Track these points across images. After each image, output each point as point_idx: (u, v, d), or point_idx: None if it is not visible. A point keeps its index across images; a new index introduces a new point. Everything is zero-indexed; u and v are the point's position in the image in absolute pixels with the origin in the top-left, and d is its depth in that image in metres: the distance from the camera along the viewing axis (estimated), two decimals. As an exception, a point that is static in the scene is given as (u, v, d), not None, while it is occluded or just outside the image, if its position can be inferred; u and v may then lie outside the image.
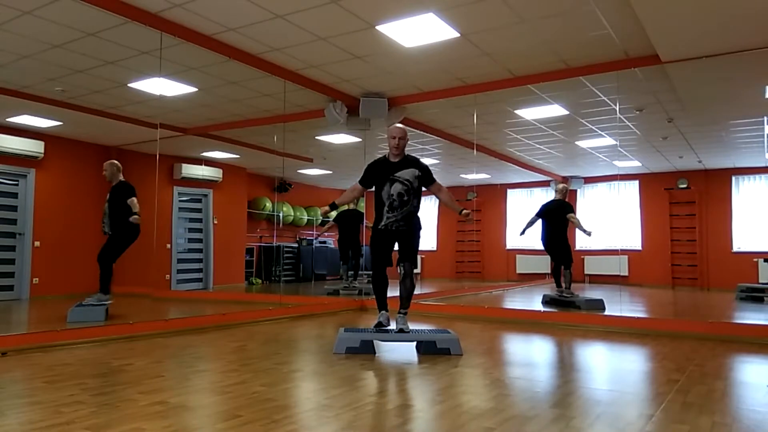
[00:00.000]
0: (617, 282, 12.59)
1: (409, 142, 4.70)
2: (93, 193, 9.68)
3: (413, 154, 4.77)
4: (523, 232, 7.98)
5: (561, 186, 7.99)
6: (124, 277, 9.59)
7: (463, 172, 12.78)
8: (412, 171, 4.55)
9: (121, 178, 6.33)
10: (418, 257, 15.08)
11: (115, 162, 6.38)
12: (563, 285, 7.83)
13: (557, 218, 7.73)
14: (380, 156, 4.73)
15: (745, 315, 7.28)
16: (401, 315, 4.59)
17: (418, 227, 4.65)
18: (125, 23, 4.91)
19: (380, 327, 4.54)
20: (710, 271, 12.09)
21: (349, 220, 9.74)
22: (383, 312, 4.62)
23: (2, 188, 8.63)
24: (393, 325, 4.59)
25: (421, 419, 2.72)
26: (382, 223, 4.55)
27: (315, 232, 9.26)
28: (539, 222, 7.91)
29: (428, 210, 14.76)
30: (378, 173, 4.61)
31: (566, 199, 7.90)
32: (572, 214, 7.75)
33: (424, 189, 4.66)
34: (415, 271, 4.73)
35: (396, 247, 4.66)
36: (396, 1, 4.53)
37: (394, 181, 4.52)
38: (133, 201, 6.06)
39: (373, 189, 4.71)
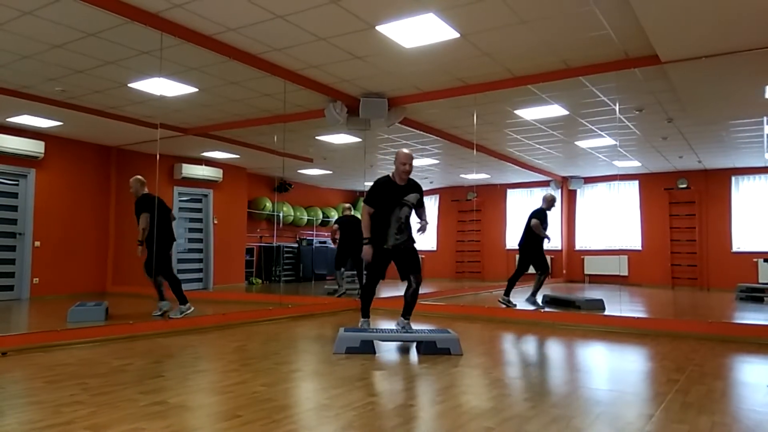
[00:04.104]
0: (617, 282, 12.60)
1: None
2: (93, 193, 9.70)
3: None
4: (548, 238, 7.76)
5: (547, 194, 7.80)
6: (124, 277, 9.64)
7: (463, 172, 12.79)
8: (415, 195, 4.85)
9: (145, 191, 6.42)
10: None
11: (140, 177, 6.46)
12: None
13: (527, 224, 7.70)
14: (384, 176, 4.91)
15: (745, 315, 7.29)
16: (407, 321, 4.94)
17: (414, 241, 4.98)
18: (125, 23, 4.91)
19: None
20: (710, 271, 12.09)
21: (349, 227, 9.74)
22: (367, 320, 4.95)
23: (2, 188, 8.63)
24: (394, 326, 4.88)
25: (421, 419, 2.72)
26: (390, 243, 4.78)
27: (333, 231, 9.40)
28: (522, 225, 7.84)
29: (428, 210, 14.76)
30: (387, 196, 4.78)
31: (549, 209, 7.71)
32: (534, 221, 7.59)
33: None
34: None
35: (398, 264, 4.93)
36: (396, 2, 4.53)
37: (403, 205, 4.75)
38: (143, 218, 6.20)
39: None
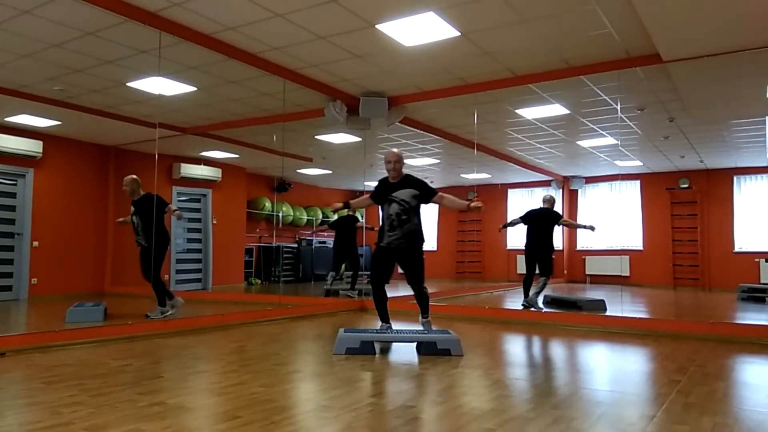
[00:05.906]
0: (618, 282, 12.58)
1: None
2: (92, 193, 9.68)
3: (414, 174, 5.00)
4: (503, 227, 8.24)
5: (548, 196, 7.61)
6: (123, 277, 9.61)
7: (463, 172, 12.77)
8: (410, 191, 4.74)
9: (143, 191, 6.34)
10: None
11: (136, 177, 6.35)
12: (531, 293, 7.39)
13: (544, 227, 7.40)
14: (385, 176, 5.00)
15: (747, 315, 7.27)
16: (426, 321, 4.92)
17: (420, 242, 4.80)
18: (124, 22, 4.89)
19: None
20: (711, 271, 12.07)
21: (346, 225, 9.69)
22: (384, 325, 4.86)
23: (1, 188, 8.61)
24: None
25: (422, 420, 2.70)
26: (384, 242, 4.77)
27: (312, 231, 9.56)
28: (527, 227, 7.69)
29: (429, 210, 14.74)
30: (380, 192, 4.87)
31: (553, 209, 7.53)
32: (564, 219, 7.70)
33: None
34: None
35: (400, 267, 4.90)
36: (396, 0, 4.51)
37: (391, 201, 4.74)
38: (170, 208, 6.30)
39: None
